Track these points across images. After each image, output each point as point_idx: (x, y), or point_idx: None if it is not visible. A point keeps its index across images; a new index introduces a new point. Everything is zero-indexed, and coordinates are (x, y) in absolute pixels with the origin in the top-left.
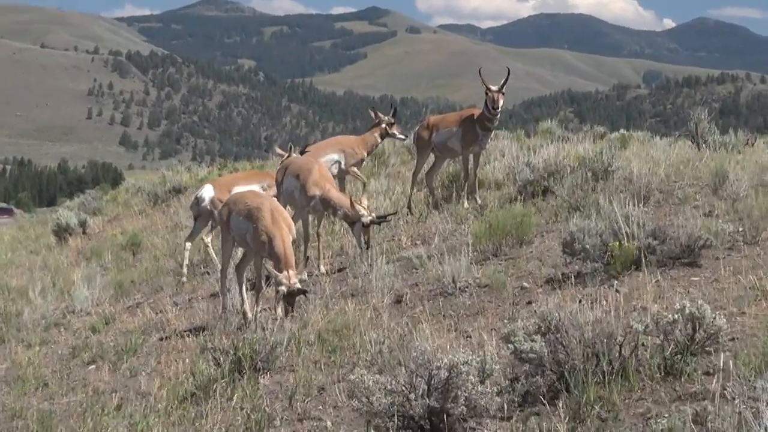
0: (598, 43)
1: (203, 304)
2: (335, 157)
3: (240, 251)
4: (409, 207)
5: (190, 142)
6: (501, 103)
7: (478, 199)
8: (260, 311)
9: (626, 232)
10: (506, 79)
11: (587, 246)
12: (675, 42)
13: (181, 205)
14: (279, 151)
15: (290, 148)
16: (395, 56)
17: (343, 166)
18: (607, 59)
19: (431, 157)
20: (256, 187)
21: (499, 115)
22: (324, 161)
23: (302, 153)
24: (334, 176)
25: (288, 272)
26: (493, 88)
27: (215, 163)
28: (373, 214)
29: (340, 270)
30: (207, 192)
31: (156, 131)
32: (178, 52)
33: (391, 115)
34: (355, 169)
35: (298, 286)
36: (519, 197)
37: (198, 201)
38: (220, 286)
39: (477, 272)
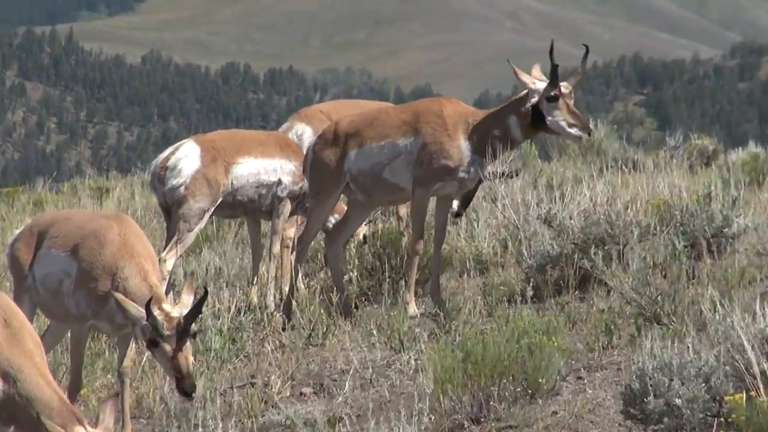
0: None
1: None
2: None
3: None
4: (287, 310)
5: None
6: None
7: (440, 294)
8: None
9: (762, 372)
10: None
11: (676, 402)
12: None
13: None
14: None
15: None
16: None
17: None
18: None
19: (340, 205)
20: (275, 165)
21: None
22: None
23: None
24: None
25: None
26: (563, 86)
27: None
28: (174, 311)
29: None
30: (186, 159)
31: None
32: None
33: None
34: None
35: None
36: (528, 292)
37: (170, 174)
38: None
39: None
